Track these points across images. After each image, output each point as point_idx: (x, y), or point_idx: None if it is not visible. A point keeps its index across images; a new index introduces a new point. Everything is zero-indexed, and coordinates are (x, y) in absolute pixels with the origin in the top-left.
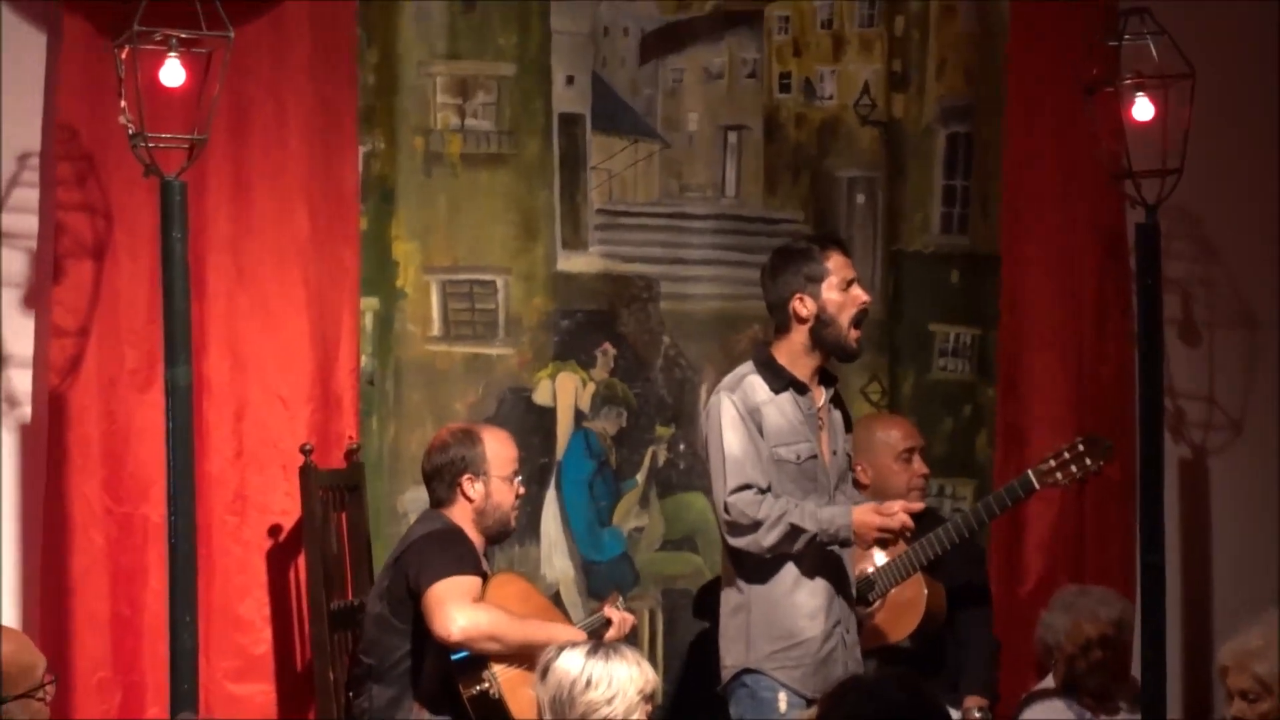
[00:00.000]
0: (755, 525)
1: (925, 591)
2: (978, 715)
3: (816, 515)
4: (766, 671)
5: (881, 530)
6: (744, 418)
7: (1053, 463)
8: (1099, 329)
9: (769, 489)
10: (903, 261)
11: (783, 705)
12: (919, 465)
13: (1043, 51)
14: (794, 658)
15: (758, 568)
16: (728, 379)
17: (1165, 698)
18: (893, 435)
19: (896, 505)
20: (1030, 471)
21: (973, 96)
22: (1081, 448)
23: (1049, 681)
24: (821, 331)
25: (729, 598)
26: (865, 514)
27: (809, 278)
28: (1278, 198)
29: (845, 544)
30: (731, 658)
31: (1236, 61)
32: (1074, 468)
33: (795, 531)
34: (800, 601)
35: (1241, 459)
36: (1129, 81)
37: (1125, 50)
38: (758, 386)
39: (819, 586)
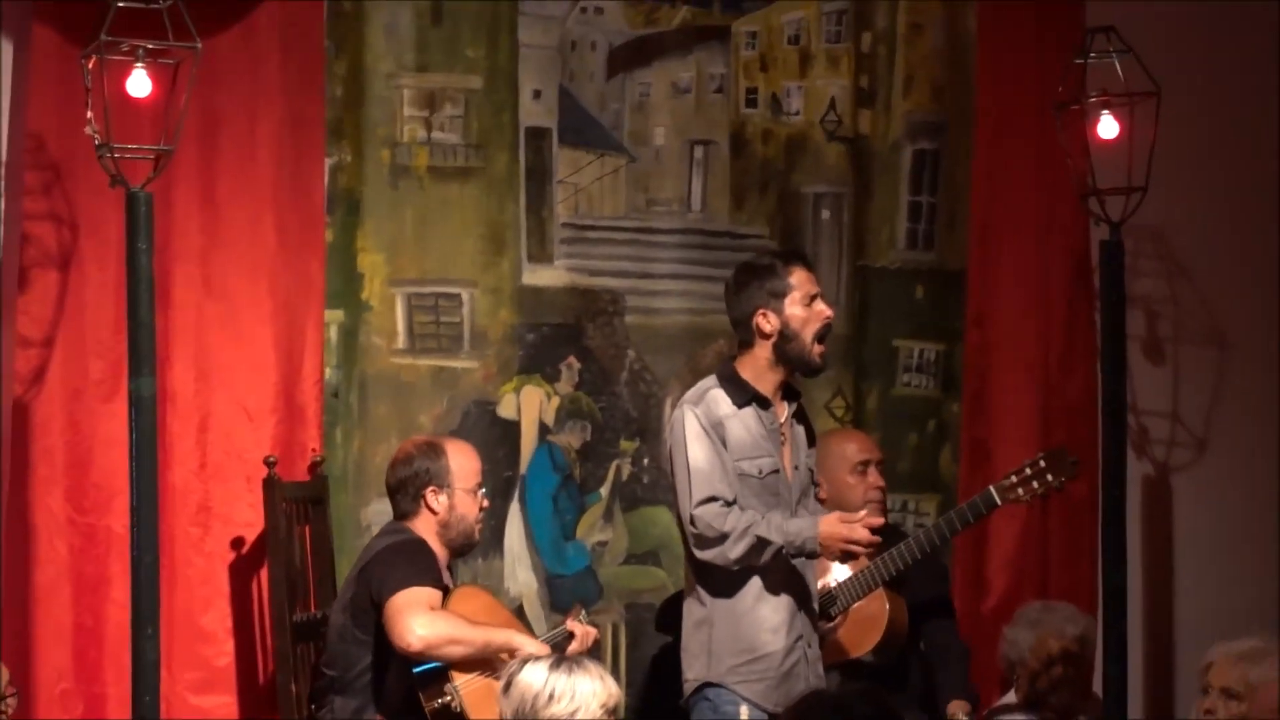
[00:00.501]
0: (722, 538)
1: (888, 606)
2: (964, 719)
3: (783, 528)
4: (729, 685)
5: (847, 542)
6: (708, 431)
7: (1014, 479)
8: (1065, 346)
9: (734, 501)
10: (868, 277)
11: (744, 718)
12: (874, 478)
13: (1011, 69)
14: (756, 671)
15: (721, 582)
16: (691, 393)
17: (1126, 714)
18: (848, 449)
19: (859, 515)
20: (992, 487)
21: (940, 113)
22: (1044, 464)
23: (1011, 697)
24: (785, 347)
25: (692, 611)
26: (832, 525)
27: (772, 293)
28: (1243, 216)
29: (812, 556)
30: (694, 671)
31: (1202, 80)
32: (1036, 484)
33: (762, 544)
34: (763, 616)
35: (1205, 476)
36: (1094, 99)
37: (1091, 69)
38: (721, 400)
39: (782, 601)
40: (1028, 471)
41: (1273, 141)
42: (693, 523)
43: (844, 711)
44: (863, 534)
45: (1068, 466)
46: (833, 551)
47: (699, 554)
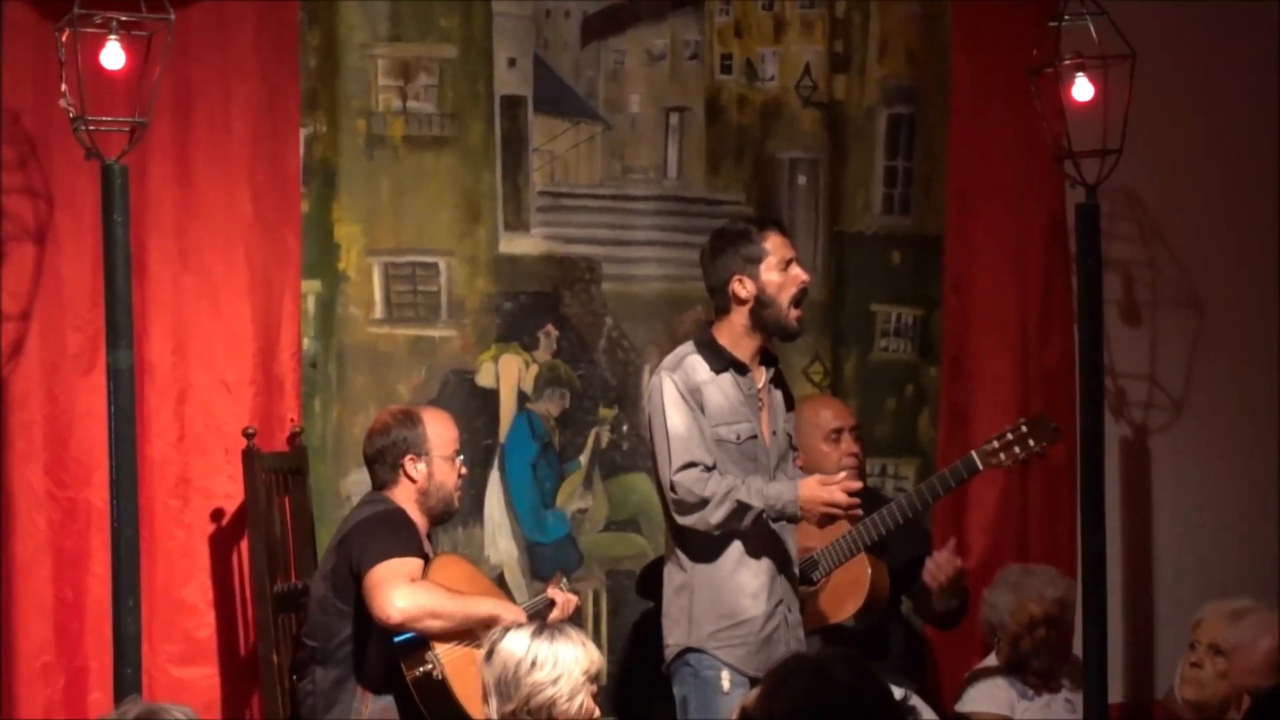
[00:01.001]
0: (702, 503)
1: (869, 571)
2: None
3: (763, 491)
4: (709, 650)
5: (828, 505)
6: (685, 397)
7: (996, 444)
8: (1043, 310)
9: (714, 467)
10: (845, 242)
11: (725, 684)
12: (848, 444)
13: (986, 32)
14: (737, 637)
15: (701, 547)
16: (668, 359)
17: (1106, 676)
18: (822, 415)
19: (838, 478)
20: (974, 453)
21: (915, 78)
22: (1025, 429)
23: (992, 659)
24: (761, 312)
25: (672, 577)
26: (811, 488)
27: (747, 259)
28: (1219, 179)
29: (792, 519)
30: (675, 637)
31: (1177, 42)
32: (1017, 449)
33: (742, 508)
34: (743, 581)
35: (1182, 438)
36: (1069, 62)
37: (1066, 31)
38: (698, 366)
39: (762, 566)
40: (1009, 437)
41: (1248, 104)
42: (673, 489)
43: (824, 675)
44: (841, 497)
45: (1049, 432)
46: (813, 515)
47: (680, 519)
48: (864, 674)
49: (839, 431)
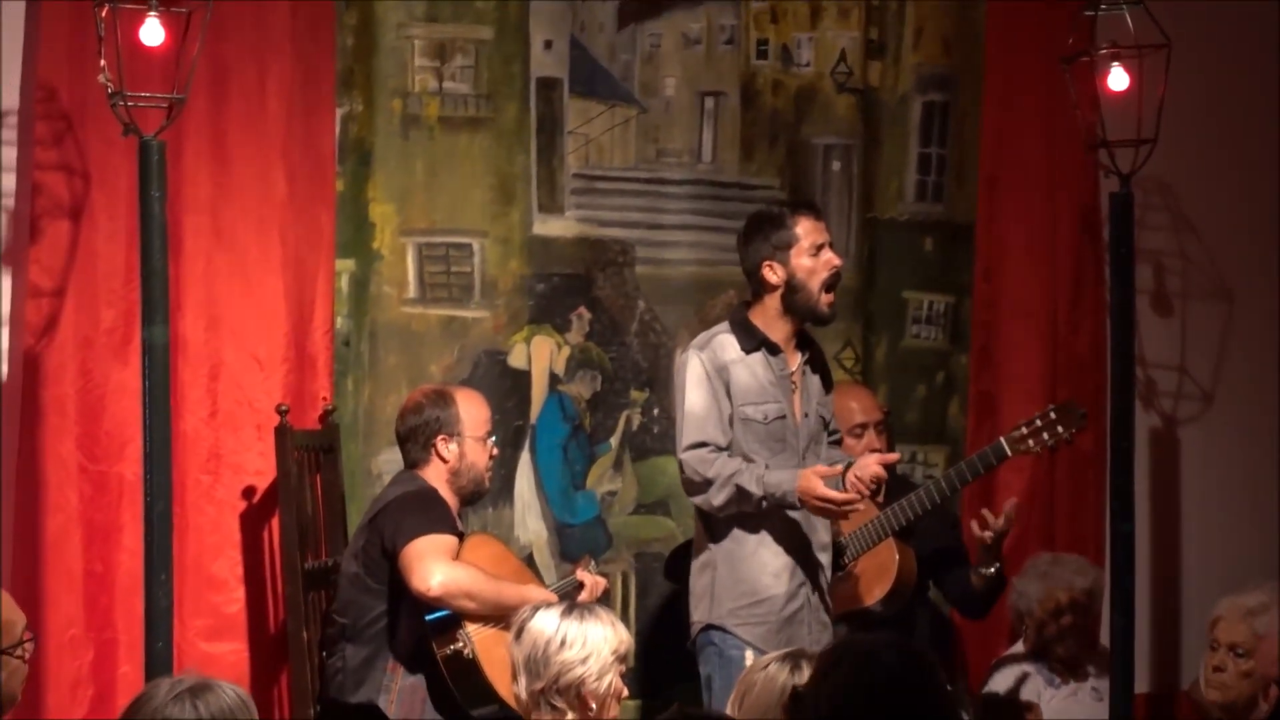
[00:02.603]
0: (706, 484)
1: (897, 556)
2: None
3: (763, 479)
4: (730, 628)
5: (822, 501)
6: (710, 376)
7: (1025, 430)
8: (1073, 299)
9: (727, 448)
10: (877, 229)
11: (749, 663)
12: (870, 440)
13: (1021, 21)
14: (757, 615)
15: (725, 525)
16: (700, 337)
17: (1133, 665)
18: (849, 408)
19: (836, 470)
20: (1002, 438)
21: (949, 65)
22: (1054, 415)
23: (1019, 647)
24: (792, 297)
25: (698, 554)
26: (808, 481)
27: (778, 244)
28: (1253, 170)
29: (791, 507)
30: (698, 613)
31: (1213, 31)
32: (1046, 435)
33: (742, 493)
34: (765, 560)
35: (1212, 429)
36: (1104, 51)
37: (1102, 20)
38: (728, 345)
39: (784, 546)
40: (1038, 423)
41: None
42: (681, 467)
43: (876, 660)
44: (837, 495)
45: (1077, 419)
46: (809, 507)
47: (689, 498)
48: (916, 659)
49: (863, 427)
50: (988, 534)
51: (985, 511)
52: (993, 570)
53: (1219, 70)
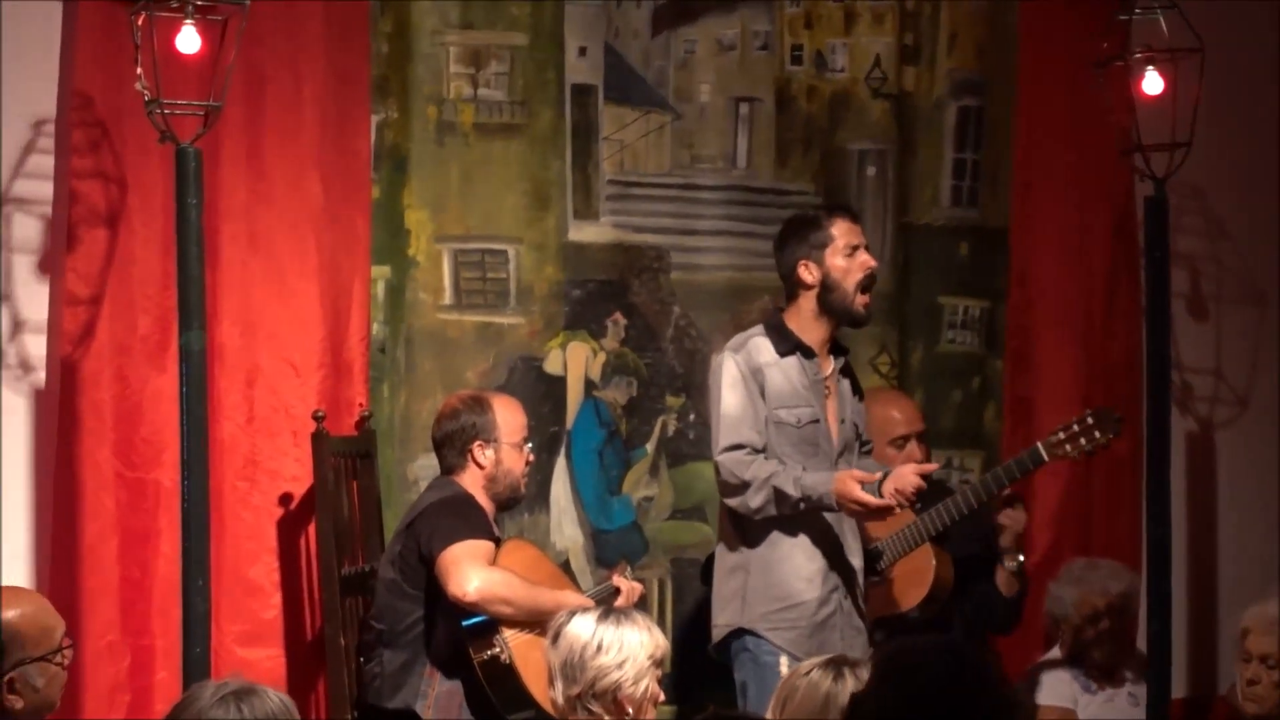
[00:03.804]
0: (743, 486)
1: (933, 562)
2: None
3: (800, 481)
4: (761, 632)
5: (857, 504)
6: (745, 378)
7: (1062, 435)
8: (1108, 303)
9: (763, 450)
10: (912, 234)
11: (784, 669)
12: (912, 450)
13: (1054, 26)
14: (789, 619)
15: (757, 529)
16: (734, 339)
17: (1170, 670)
18: (893, 417)
19: (875, 477)
20: (1039, 444)
21: (984, 70)
22: (1091, 420)
23: (1055, 652)
24: (828, 297)
25: (726, 558)
26: (845, 484)
27: (814, 245)
28: None
29: (829, 509)
30: (725, 617)
31: (1247, 36)
32: (1083, 440)
33: (780, 495)
34: (798, 564)
35: (1247, 433)
36: (1139, 55)
37: (1136, 24)
38: (763, 348)
39: (818, 551)
40: (1075, 428)
41: None
42: (717, 470)
43: (934, 664)
44: (872, 500)
45: (1114, 424)
46: (846, 510)
47: (725, 501)
48: (978, 662)
49: (905, 439)
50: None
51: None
52: (1020, 560)
53: (1253, 73)
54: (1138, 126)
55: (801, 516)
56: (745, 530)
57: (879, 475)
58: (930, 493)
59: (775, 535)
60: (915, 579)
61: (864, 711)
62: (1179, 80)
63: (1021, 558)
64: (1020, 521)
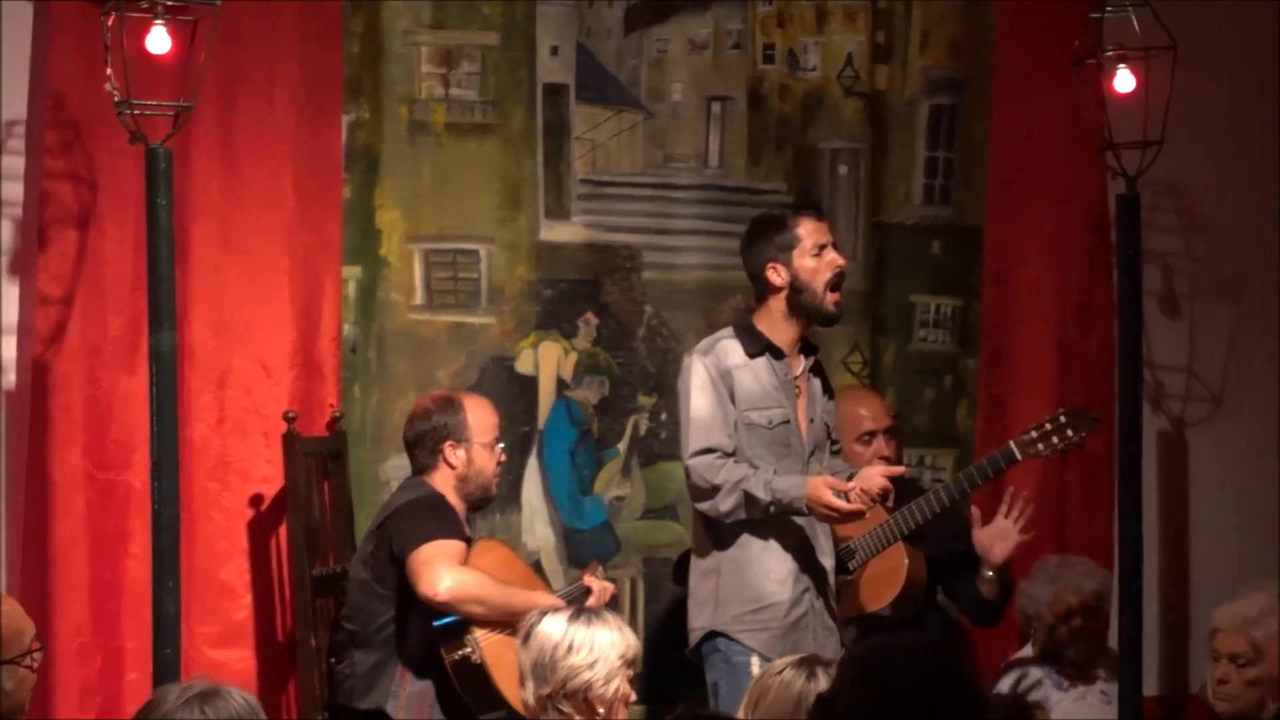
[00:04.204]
0: (714, 490)
1: (906, 560)
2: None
3: (771, 485)
4: (734, 634)
5: (828, 509)
6: (715, 381)
7: (1034, 434)
8: (1083, 301)
9: (733, 454)
10: (885, 233)
11: (755, 669)
12: (879, 447)
13: (1028, 24)
14: (761, 621)
15: (728, 531)
16: (703, 342)
17: (1142, 668)
18: (859, 414)
19: (848, 485)
20: (1012, 442)
21: (956, 69)
22: (1064, 419)
23: (1028, 650)
24: (798, 298)
25: (700, 560)
26: (816, 489)
27: (780, 246)
28: (1261, 171)
29: (799, 514)
30: (700, 620)
31: (1219, 33)
32: (1056, 439)
33: (750, 499)
34: (769, 566)
35: (1221, 431)
36: (1111, 53)
37: (1108, 22)
38: (732, 350)
39: (788, 552)
40: (1048, 427)
41: None
42: (687, 473)
43: (907, 663)
44: (843, 505)
45: (1088, 422)
46: (817, 514)
47: (695, 505)
48: (947, 661)
49: (872, 434)
50: (988, 572)
51: (976, 511)
52: (992, 573)
53: (1226, 71)
54: (1109, 124)
55: (773, 519)
56: (716, 533)
57: (850, 480)
58: (903, 492)
59: (746, 537)
60: (888, 578)
61: (834, 712)
62: (1151, 78)
63: (1003, 563)
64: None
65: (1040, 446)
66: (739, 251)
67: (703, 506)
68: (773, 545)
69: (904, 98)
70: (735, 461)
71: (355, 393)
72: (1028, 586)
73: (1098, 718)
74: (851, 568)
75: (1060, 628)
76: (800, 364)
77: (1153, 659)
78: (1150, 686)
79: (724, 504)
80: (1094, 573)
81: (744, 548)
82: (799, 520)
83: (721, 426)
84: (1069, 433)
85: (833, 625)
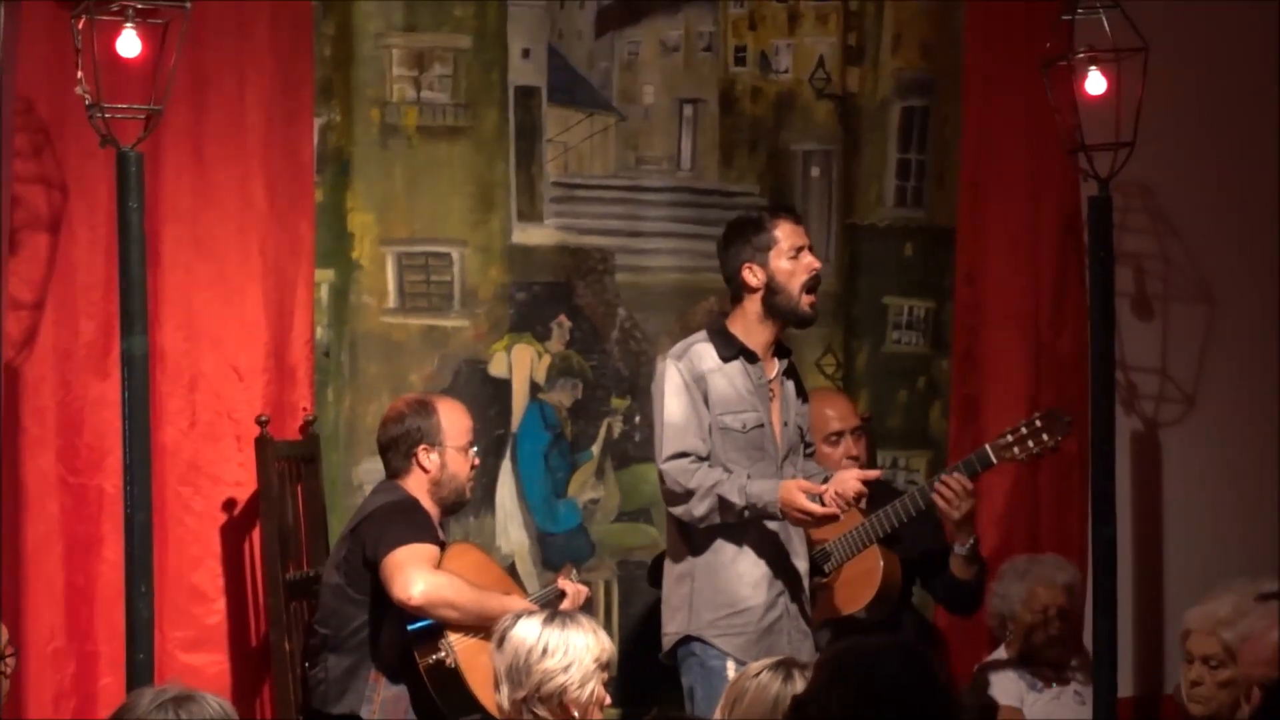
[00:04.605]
0: (688, 494)
1: (881, 563)
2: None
3: (745, 489)
4: (709, 639)
5: (802, 513)
6: (689, 385)
7: (1010, 438)
8: (1055, 303)
9: (707, 458)
10: (857, 234)
11: (730, 674)
12: (847, 447)
13: (999, 25)
14: (736, 626)
15: (702, 536)
16: (677, 346)
17: (1116, 668)
18: (825, 415)
19: (821, 488)
20: (988, 446)
21: (928, 71)
22: (1039, 423)
23: (1001, 653)
24: (773, 300)
25: (674, 566)
26: (789, 493)
27: (757, 247)
28: (1232, 172)
29: (773, 518)
30: (674, 625)
31: (1190, 34)
32: (1031, 443)
33: (725, 503)
34: (743, 570)
35: (1194, 432)
36: (1082, 55)
37: (1080, 24)
38: (705, 354)
39: (762, 556)
40: (1023, 430)
41: (1261, 97)
42: (661, 478)
43: (880, 666)
44: (816, 509)
45: (1063, 426)
46: (791, 519)
47: (669, 509)
48: (920, 662)
49: (839, 435)
50: (954, 512)
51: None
52: (969, 546)
53: (1197, 73)
54: (1081, 126)
55: (747, 524)
56: (690, 538)
57: (823, 484)
58: (878, 494)
59: (720, 542)
60: (864, 580)
61: (808, 715)
62: (1122, 80)
63: (973, 541)
64: (961, 508)
65: (1016, 450)
66: (714, 252)
67: (677, 511)
68: (747, 550)
69: (876, 99)
70: (710, 466)
71: (328, 396)
72: (998, 587)
73: (1072, 718)
74: (827, 570)
75: (1036, 623)
76: (774, 367)
77: (1127, 660)
78: (1125, 687)
79: (698, 508)
80: (1064, 566)
81: (718, 552)
82: (773, 524)
83: (695, 431)
84: (1044, 436)
85: (807, 629)
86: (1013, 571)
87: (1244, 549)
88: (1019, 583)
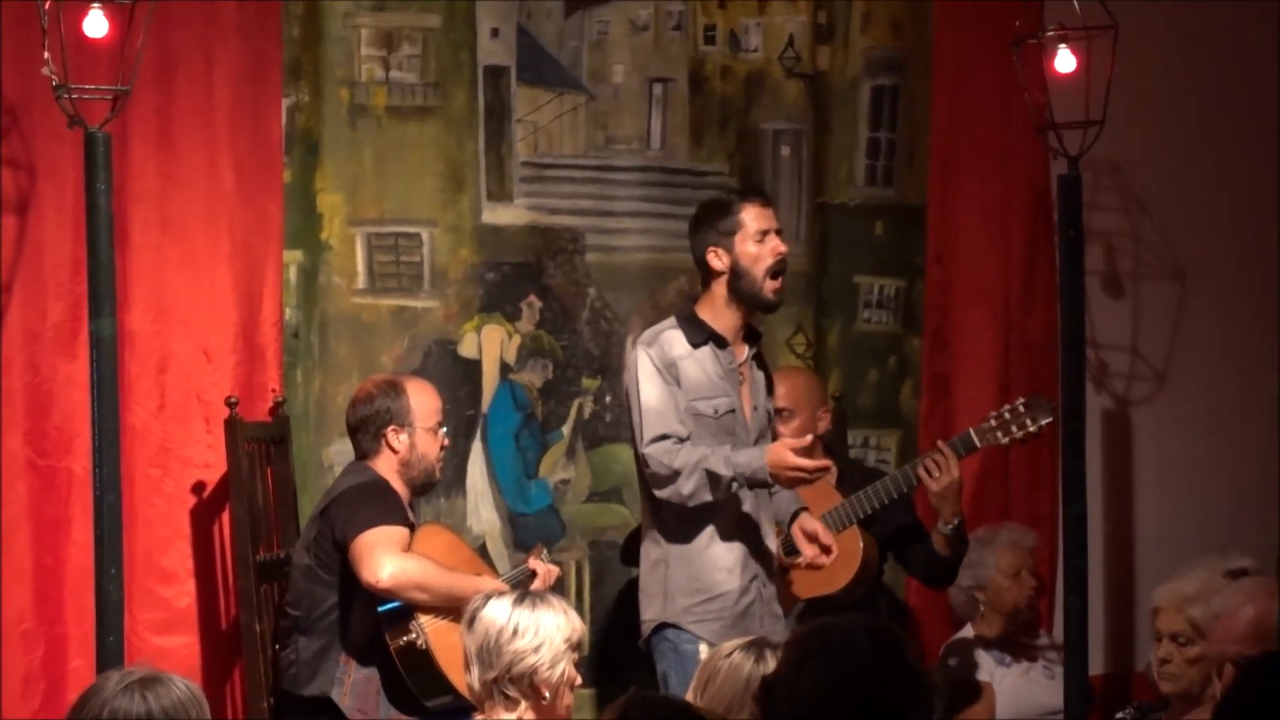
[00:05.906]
0: (674, 474)
1: (861, 544)
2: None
3: (731, 459)
4: (684, 625)
5: (795, 469)
6: (661, 370)
7: (994, 422)
8: (1026, 281)
9: (688, 439)
10: (828, 213)
11: (704, 658)
12: (796, 426)
13: (969, 3)
14: (711, 611)
15: (676, 522)
16: (647, 333)
17: (1087, 646)
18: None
19: (805, 441)
20: (971, 430)
21: (899, 49)
22: (1022, 408)
23: (967, 631)
24: (737, 284)
25: (649, 552)
26: (778, 453)
27: (723, 231)
28: (1202, 150)
29: (764, 485)
30: (651, 612)
31: (1159, 13)
32: (1014, 427)
33: (712, 477)
34: (717, 556)
35: (1164, 410)
36: (1052, 33)
37: (1050, 2)
38: (675, 341)
39: (736, 541)
40: (1007, 415)
41: (1231, 75)
42: (645, 462)
43: (850, 647)
44: (808, 461)
45: (1046, 411)
46: (782, 480)
47: (656, 493)
48: (890, 641)
49: (781, 412)
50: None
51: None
52: (954, 525)
53: (1166, 51)
54: (1050, 105)
55: (719, 506)
56: (663, 523)
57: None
58: (850, 475)
59: (694, 527)
60: (843, 561)
61: (777, 695)
62: (1092, 58)
63: (958, 520)
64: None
65: (999, 434)
66: (684, 232)
67: (665, 493)
68: (720, 534)
69: (846, 78)
70: (693, 445)
71: (297, 377)
72: (967, 559)
73: (1040, 693)
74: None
75: (1012, 586)
76: (744, 352)
77: (1098, 638)
78: (1096, 665)
79: (686, 486)
80: (1025, 532)
81: (692, 538)
82: (745, 506)
83: (674, 413)
84: (1028, 421)
85: (779, 612)
86: (978, 543)
87: (1214, 526)
88: (986, 550)
